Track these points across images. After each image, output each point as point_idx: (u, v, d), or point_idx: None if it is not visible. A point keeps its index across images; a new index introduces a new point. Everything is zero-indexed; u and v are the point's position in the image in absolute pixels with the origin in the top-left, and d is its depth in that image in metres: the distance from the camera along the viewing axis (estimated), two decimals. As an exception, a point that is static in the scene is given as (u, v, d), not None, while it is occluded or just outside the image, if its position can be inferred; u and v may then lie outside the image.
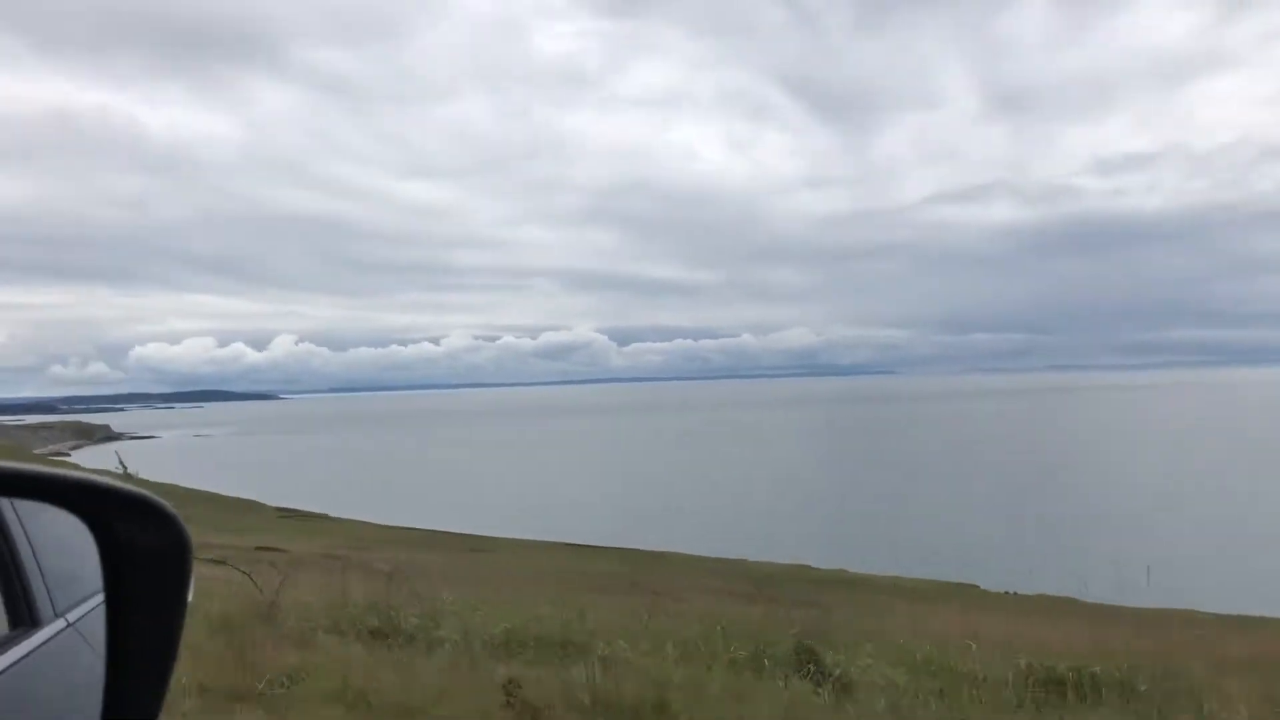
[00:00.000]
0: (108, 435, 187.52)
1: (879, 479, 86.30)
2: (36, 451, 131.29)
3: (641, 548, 42.81)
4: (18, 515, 2.17)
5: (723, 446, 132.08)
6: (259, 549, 32.18)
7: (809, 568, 35.33)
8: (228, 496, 70.29)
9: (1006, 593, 32.31)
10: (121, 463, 14.19)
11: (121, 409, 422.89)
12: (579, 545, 42.51)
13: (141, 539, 1.93)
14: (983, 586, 34.27)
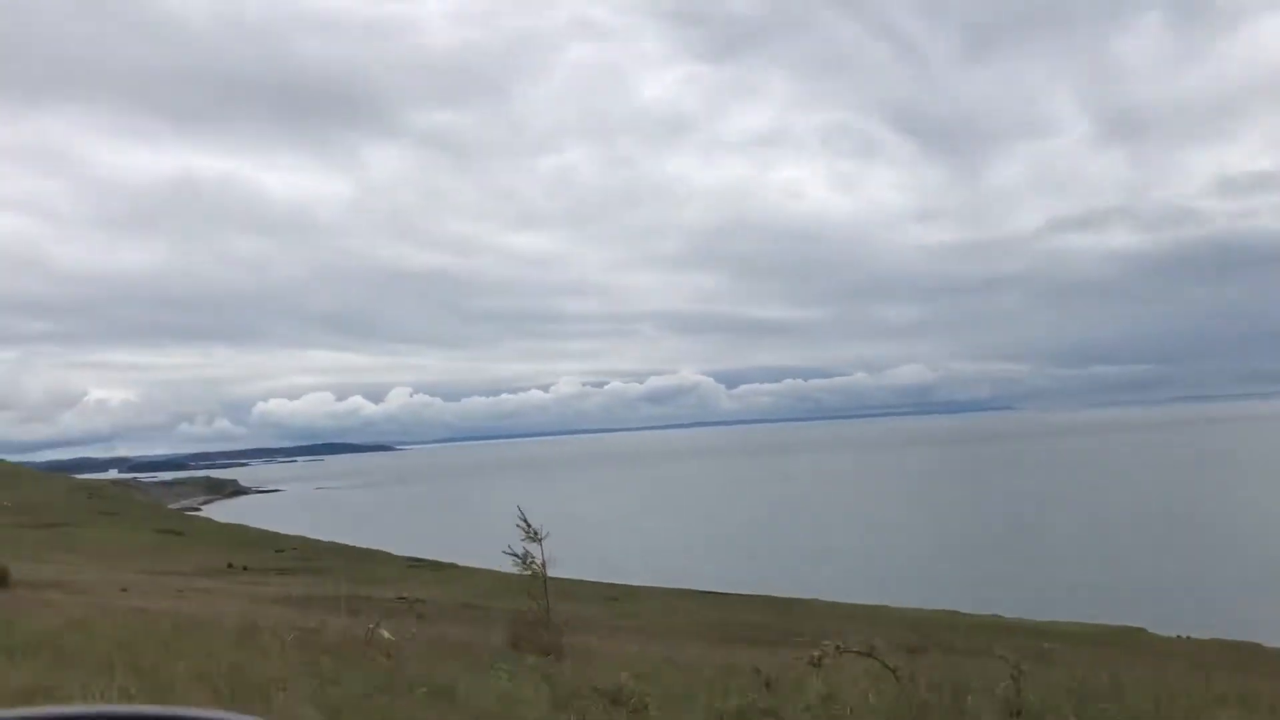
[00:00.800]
0: (236, 490, 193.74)
1: (1008, 519, 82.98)
2: (171, 506, 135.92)
3: (777, 594, 41.42)
4: None
5: (843, 489, 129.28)
6: (400, 599, 31.96)
7: (959, 613, 33.46)
8: (357, 547, 71.06)
9: (1179, 636, 29.99)
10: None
11: (246, 464, 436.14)
12: (717, 593, 41.35)
13: None
14: (1150, 630, 31.87)
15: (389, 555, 66.77)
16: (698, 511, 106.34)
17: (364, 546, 71.61)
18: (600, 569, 57.40)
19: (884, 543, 70.62)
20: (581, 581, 51.88)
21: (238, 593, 30.89)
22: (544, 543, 12.49)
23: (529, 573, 12.38)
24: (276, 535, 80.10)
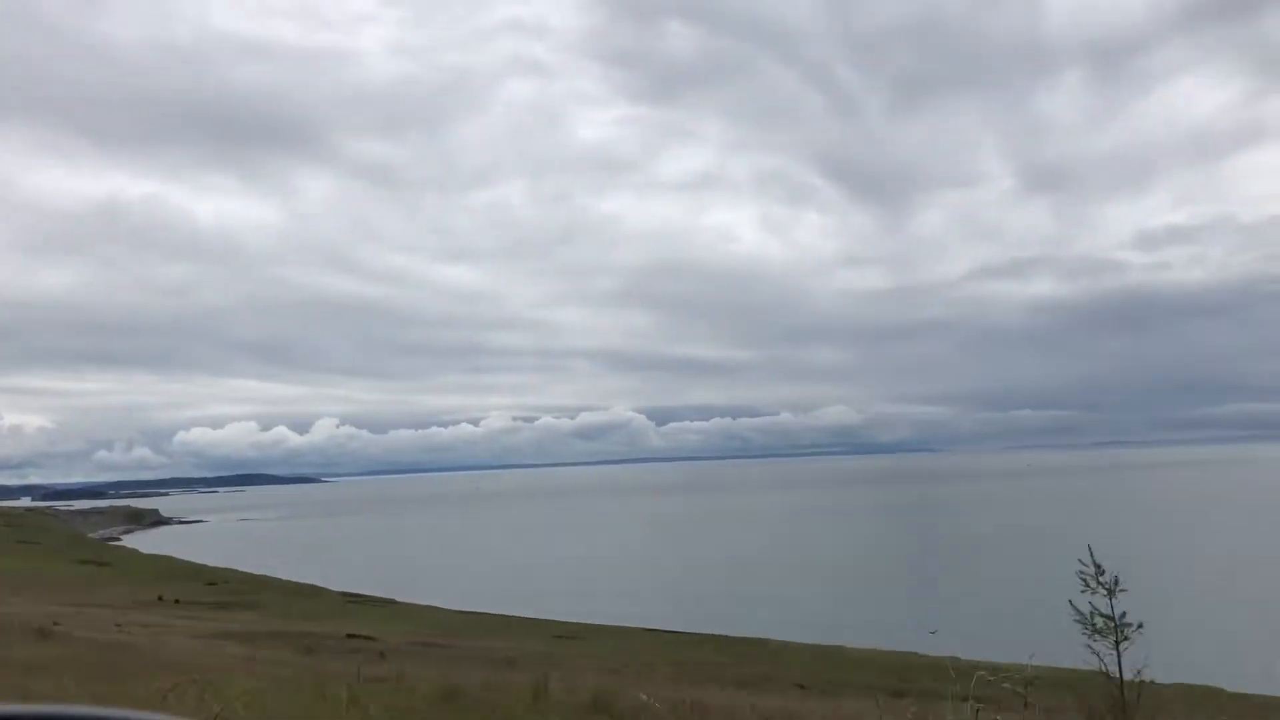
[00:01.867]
0: (157, 520, 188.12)
1: (940, 558, 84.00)
2: (90, 536, 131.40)
3: (728, 633, 41.15)
4: None
5: (780, 527, 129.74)
6: (349, 636, 31.11)
7: (916, 654, 33.43)
8: (289, 581, 69.30)
9: (1143, 680, 30.18)
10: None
11: (166, 493, 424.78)
12: (668, 631, 40.91)
13: None
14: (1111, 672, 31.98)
15: (324, 590, 65.19)
16: (637, 550, 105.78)
17: (297, 580, 69.87)
18: (540, 606, 56.66)
19: (824, 582, 70.89)
20: (524, 619, 51.20)
21: (178, 628, 29.83)
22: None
23: (1098, 636, 8.70)
24: (204, 567, 77.85)
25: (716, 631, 41.19)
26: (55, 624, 29.61)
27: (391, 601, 58.60)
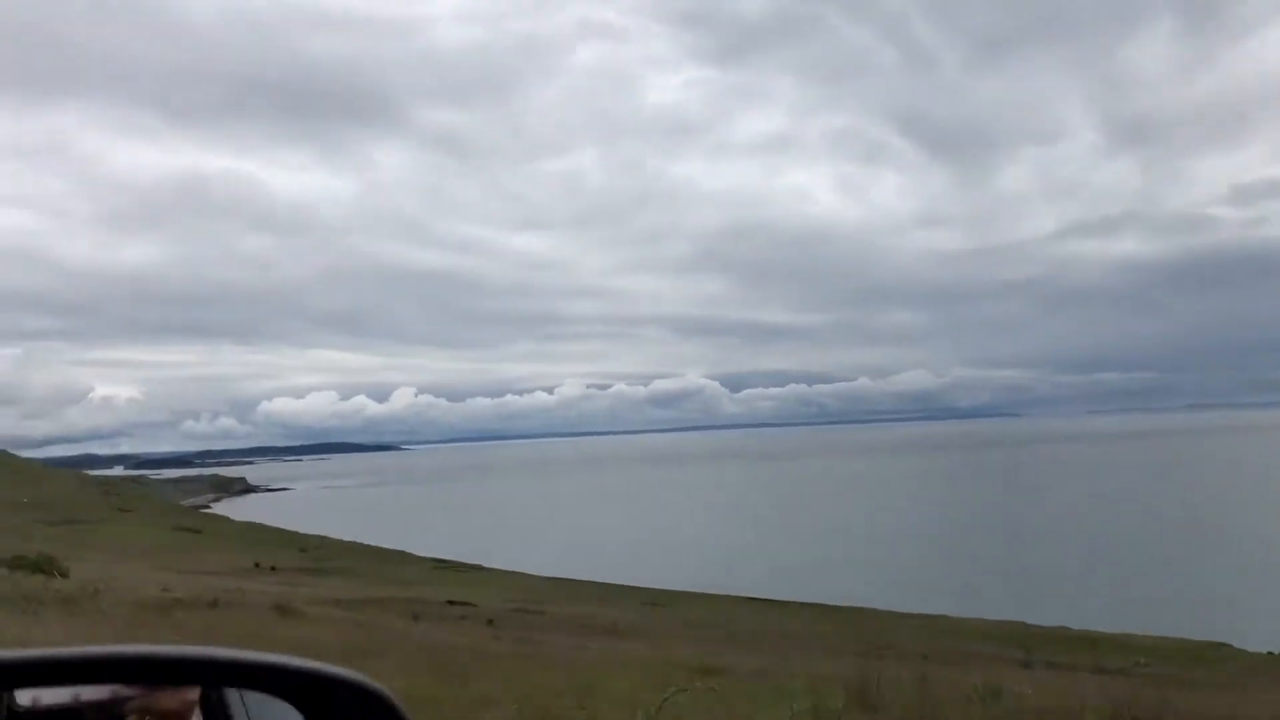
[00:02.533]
0: (245, 488, 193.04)
1: (1033, 525, 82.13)
2: (183, 503, 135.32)
3: (821, 601, 40.58)
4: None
5: (863, 494, 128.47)
6: (450, 603, 31.27)
7: (1026, 624, 32.58)
8: (379, 548, 70.31)
9: (1269, 653, 28.88)
10: None
11: (251, 462, 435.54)
12: (762, 599, 40.52)
13: None
14: (1236, 645, 30.60)
15: (412, 556, 66.05)
16: (715, 517, 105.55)
17: (386, 547, 70.86)
18: (624, 573, 56.63)
19: (911, 550, 69.89)
20: (610, 585, 51.21)
21: (286, 595, 30.18)
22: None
23: None
24: (295, 534, 79.41)
25: (802, 599, 40.64)
26: (163, 590, 30.16)
27: (479, 567, 59.14)
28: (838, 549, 70.68)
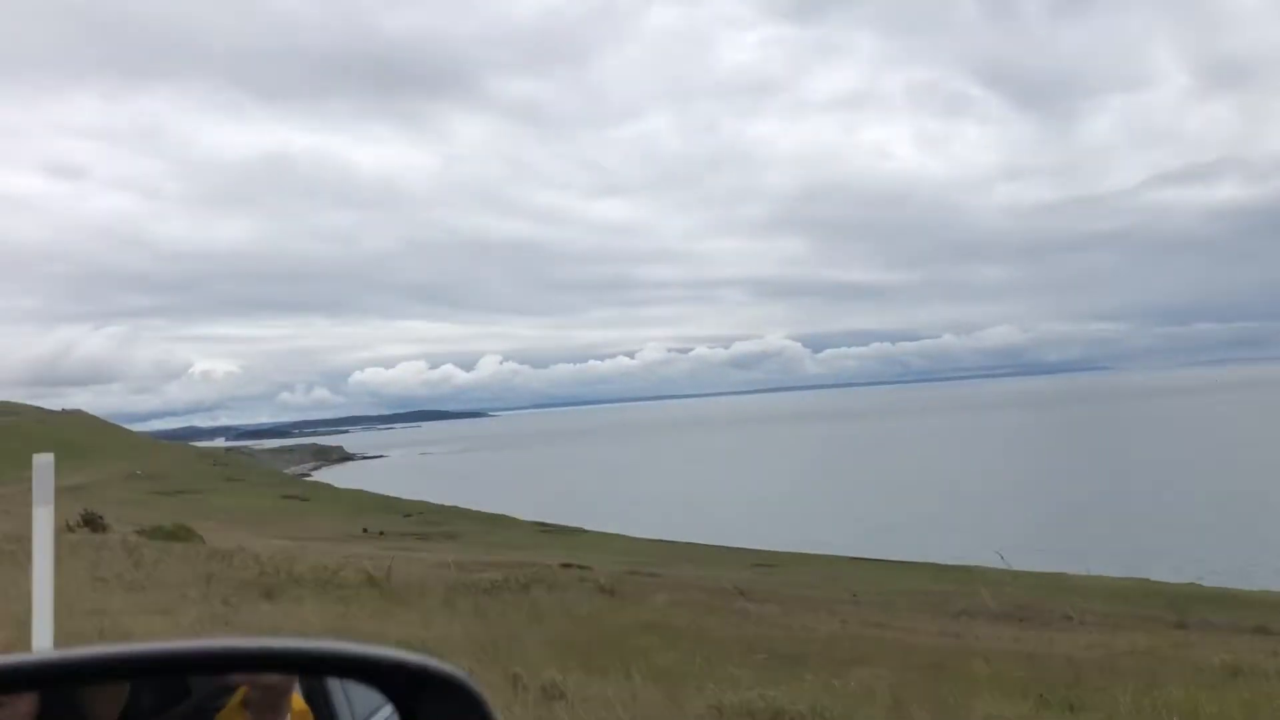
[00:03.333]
0: (343, 456, 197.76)
1: (1141, 481, 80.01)
2: (285, 471, 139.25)
3: (932, 560, 40.05)
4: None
5: (958, 452, 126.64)
6: (565, 566, 31.61)
7: (1152, 582, 31.70)
8: (480, 512, 71.35)
9: None
10: None
11: (346, 431, 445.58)
12: (872, 559, 40.19)
13: (443, 713, 1.76)
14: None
15: (514, 520, 66.90)
16: (811, 477, 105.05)
17: (487, 511, 71.86)
18: (725, 534, 56.62)
19: (1006, 506, 68.65)
20: (715, 546, 51.23)
21: (404, 560, 30.80)
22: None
23: None
24: (397, 500, 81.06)
25: (907, 558, 40.11)
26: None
27: (581, 530, 59.70)
28: (933, 507, 69.83)
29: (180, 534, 27.08)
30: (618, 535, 57.04)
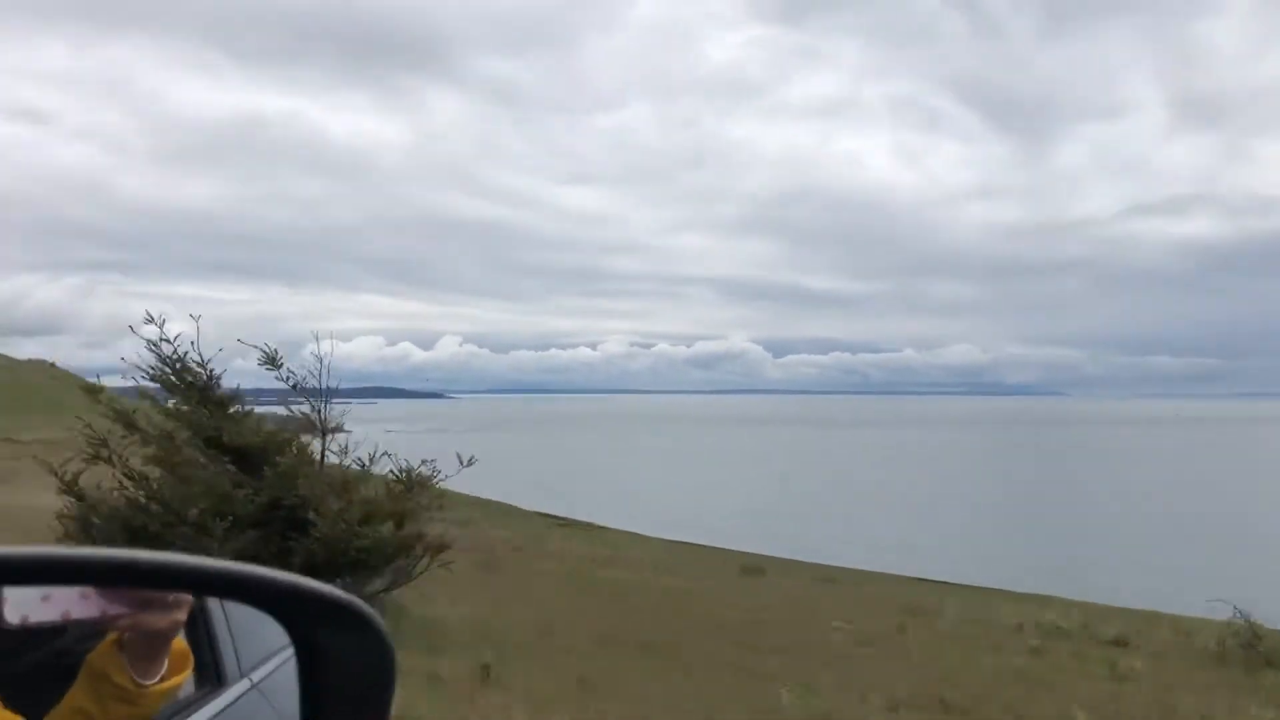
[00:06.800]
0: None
1: (1095, 508, 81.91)
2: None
3: (923, 576, 41.01)
4: None
5: (930, 469, 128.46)
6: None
7: (1160, 615, 32.70)
8: (479, 498, 71.21)
9: None
10: None
11: (300, 402, 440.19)
12: (907, 576, 40.89)
13: (342, 646, 1.77)
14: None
15: (518, 509, 66.54)
16: (793, 483, 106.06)
17: (484, 498, 71.77)
18: (705, 534, 57.11)
19: (1000, 529, 69.98)
20: (708, 548, 51.35)
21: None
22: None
23: None
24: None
25: (921, 575, 40.99)
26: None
27: (590, 525, 59.96)
28: (926, 523, 70.97)
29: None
30: (616, 530, 57.38)
